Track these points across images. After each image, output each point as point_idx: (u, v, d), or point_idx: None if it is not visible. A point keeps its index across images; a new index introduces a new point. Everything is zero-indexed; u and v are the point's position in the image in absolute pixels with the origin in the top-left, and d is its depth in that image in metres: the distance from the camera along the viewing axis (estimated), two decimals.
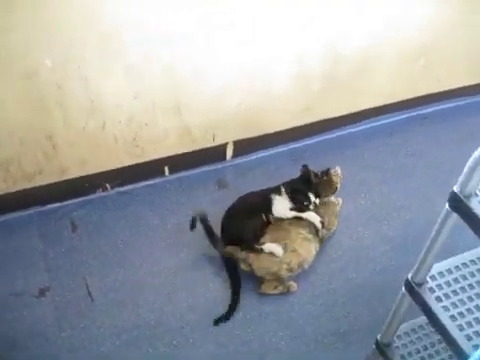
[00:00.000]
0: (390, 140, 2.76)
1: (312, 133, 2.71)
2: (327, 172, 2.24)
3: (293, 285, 2.09)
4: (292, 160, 2.61)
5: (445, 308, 1.26)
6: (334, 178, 2.24)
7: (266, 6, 2.07)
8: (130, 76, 2.06)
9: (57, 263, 2.16)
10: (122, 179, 2.43)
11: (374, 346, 1.55)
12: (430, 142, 2.75)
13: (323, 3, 2.17)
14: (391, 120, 2.86)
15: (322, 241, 2.20)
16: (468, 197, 1.06)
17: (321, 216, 2.17)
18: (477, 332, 1.22)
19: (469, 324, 1.24)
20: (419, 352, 1.52)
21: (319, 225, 2.14)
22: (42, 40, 1.83)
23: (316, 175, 2.22)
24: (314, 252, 2.13)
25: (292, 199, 2.17)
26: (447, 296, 1.29)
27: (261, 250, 2.05)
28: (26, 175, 2.20)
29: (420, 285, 1.29)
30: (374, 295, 2.10)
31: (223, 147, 2.55)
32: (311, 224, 2.13)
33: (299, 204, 2.17)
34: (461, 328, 1.23)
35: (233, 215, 2.21)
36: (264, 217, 2.17)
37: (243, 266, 2.09)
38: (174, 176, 2.52)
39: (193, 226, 2.12)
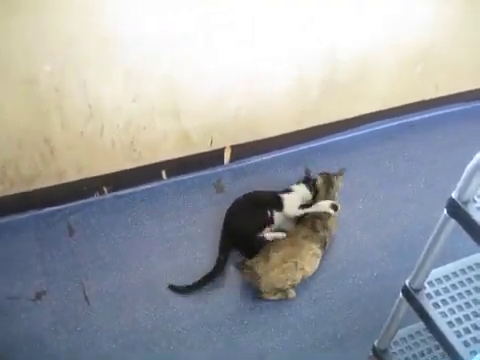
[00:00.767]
0: (388, 145, 2.77)
1: (310, 138, 2.72)
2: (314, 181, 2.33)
3: (292, 292, 2.09)
4: (290, 165, 2.61)
5: (443, 314, 1.26)
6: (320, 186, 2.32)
7: (266, 6, 2.08)
8: (129, 80, 2.06)
9: (54, 266, 2.15)
10: (120, 183, 2.43)
11: (371, 352, 1.55)
12: (428, 147, 2.76)
13: (323, 3, 2.17)
14: (389, 125, 2.87)
15: (325, 247, 2.18)
16: (466, 203, 1.06)
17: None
18: (475, 338, 1.22)
19: (467, 330, 1.24)
20: (416, 358, 1.52)
21: (331, 210, 2.17)
22: (41, 44, 1.83)
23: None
24: (317, 265, 2.14)
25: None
26: (445, 302, 1.29)
27: (263, 238, 2.14)
28: (24, 178, 2.20)
29: (418, 291, 1.29)
30: (371, 300, 2.10)
31: (221, 151, 2.55)
32: (322, 238, 2.15)
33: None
34: (459, 334, 1.23)
35: (239, 205, 2.27)
36: (269, 213, 2.21)
37: (246, 277, 2.08)
38: (172, 180, 2.52)
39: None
